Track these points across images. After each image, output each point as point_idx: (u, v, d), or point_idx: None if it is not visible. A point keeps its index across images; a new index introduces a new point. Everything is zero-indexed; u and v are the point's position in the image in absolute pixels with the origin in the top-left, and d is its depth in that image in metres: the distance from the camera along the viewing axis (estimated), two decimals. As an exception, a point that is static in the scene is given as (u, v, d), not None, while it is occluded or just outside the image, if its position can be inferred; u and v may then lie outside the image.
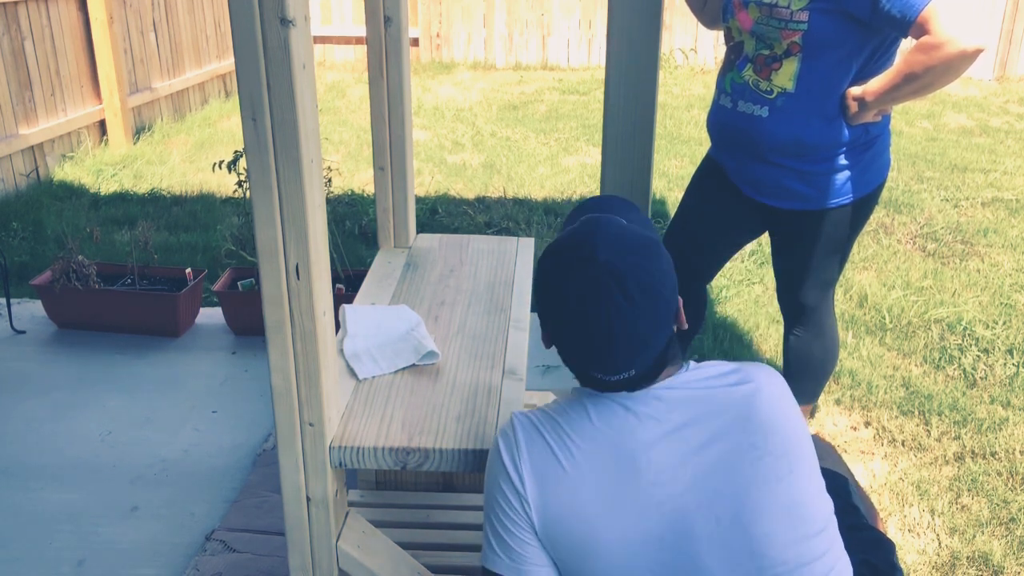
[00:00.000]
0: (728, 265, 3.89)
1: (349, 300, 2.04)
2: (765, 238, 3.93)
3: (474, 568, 1.97)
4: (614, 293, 1.17)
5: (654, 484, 1.18)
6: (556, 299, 1.22)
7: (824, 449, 1.73)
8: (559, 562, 1.22)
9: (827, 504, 1.24)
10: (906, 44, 2.07)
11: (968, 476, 2.52)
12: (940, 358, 3.18)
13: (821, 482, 1.25)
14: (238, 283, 3.35)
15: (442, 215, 4.68)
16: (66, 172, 5.25)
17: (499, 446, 1.26)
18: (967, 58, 1.88)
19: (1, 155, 4.80)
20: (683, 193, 2.51)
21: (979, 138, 6.35)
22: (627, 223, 1.27)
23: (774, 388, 1.27)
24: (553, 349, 1.29)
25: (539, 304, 1.28)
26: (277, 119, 1.27)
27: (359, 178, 5.32)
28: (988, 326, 3.40)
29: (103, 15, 5.53)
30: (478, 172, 5.48)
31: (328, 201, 3.49)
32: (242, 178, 3.12)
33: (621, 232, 1.23)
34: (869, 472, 2.56)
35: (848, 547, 1.31)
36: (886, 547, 1.46)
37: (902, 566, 2.17)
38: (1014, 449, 2.65)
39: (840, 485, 1.56)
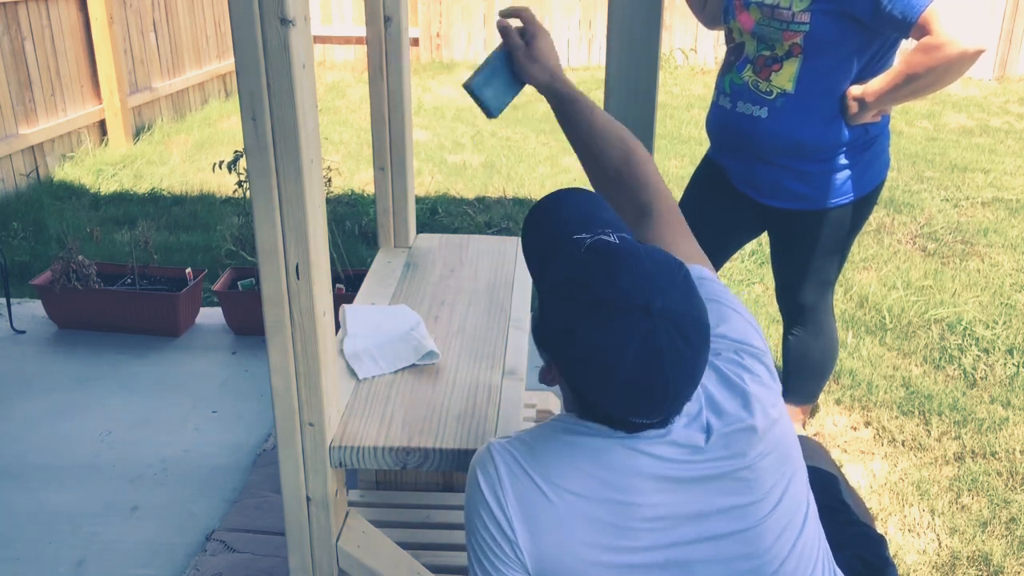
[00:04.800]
0: (728, 265, 3.89)
1: (349, 300, 2.04)
2: (765, 238, 3.93)
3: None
4: (676, 342, 1.07)
5: (651, 519, 1.12)
6: (601, 357, 1.07)
7: (813, 449, 1.73)
8: None
9: (811, 528, 1.23)
10: (906, 45, 2.07)
11: (968, 476, 2.52)
12: (940, 358, 3.18)
13: (806, 481, 1.25)
14: (238, 283, 3.35)
15: (442, 215, 4.68)
16: (66, 172, 5.25)
17: (479, 482, 1.15)
18: (968, 59, 1.88)
19: (1, 155, 4.80)
20: (682, 193, 2.51)
21: (979, 138, 6.35)
22: (641, 244, 1.15)
23: (764, 396, 1.21)
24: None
25: (564, 354, 1.12)
26: (277, 119, 1.27)
27: (359, 178, 5.32)
28: (988, 326, 3.40)
29: (103, 15, 5.53)
30: (478, 172, 5.49)
31: (328, 201, 3.50)
32: (242, 178, 3.12)
33: (656, 265, 1.11)
34: (869, 472, 2.56)
35: (839, 542, 1.32)
36: (877, 542, 1.46)
37: (898, 564, 2.17)
38: (1014, 449, 2.65)
39: (830, 483, 1.57)
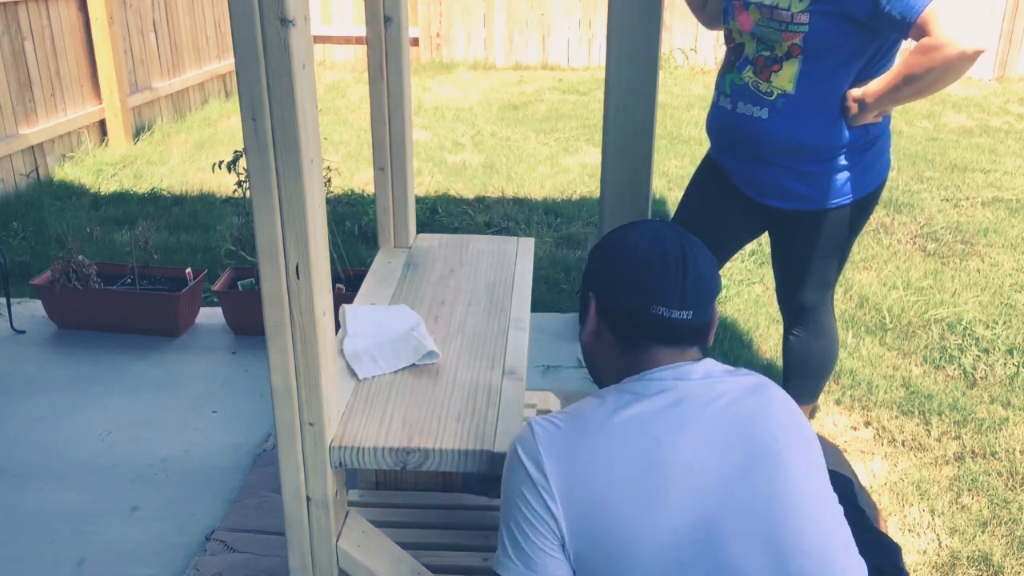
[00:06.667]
0: (728, 265, 3.89)
1: (349, 300, 2.04)
2: (765, 238, 3.92)
3: (474, 568, 1.97)
4: (685, 240, 1.35)
5: (682, 475, 1.17)
6: (625, 247, 1.36)
7: (828, 450, 1.73)
8: (587, 564, 1.18)
9: (838, 508, 1.26)
10: (907, 45, 2.07)
11: (968, 476, 2.52)
12: (940, 358, 3.18)
13: (832, 491, 1.27)
14: (238, 283, 3.35)
15: (442, 215, 4.68)
16: (66, 172, 5.25)
17: (517, 450, 1.24)
18: (967, 60, 1.88)
19: (1, 155, 4.80)
20: (683, 193, 2.51)
21: (979, 138, 6.35)
22: None
23: (775, 386, 1.30)
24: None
25: (599, 265, 1.39)
26: (277, 119, 1.27)
27: (359, 178, 5.32)
28: (988, 326, 3.40)
29: (103, 15, 5.53)
30: (478, 172, 5.49)
31: (328, 201, 3.49)
32: (242, 178, 3.12)
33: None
34: (869, 472, 2.56)
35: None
36: (892, 551, 1.46)
37: (906, 569, 2.17)
38: (1014, 449, 2.65)
39: (845, 487, 1.56)
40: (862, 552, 1.33)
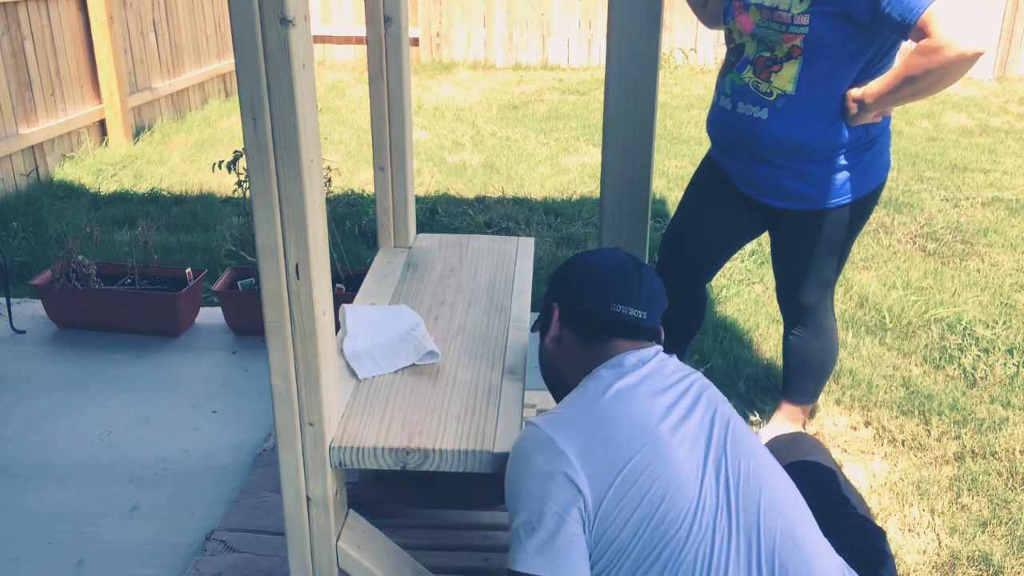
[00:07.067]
0: (728, 265, 3.89)
1: (349, 300, 2.04)
2: (765, 238, 3.93)
3: (474, 568, 1.97)
4: (638, 259, 1.55)
5: (666, 428, 1.31)
6: (585, 261, 1.54)
7: (813, 445, 1.74)
8: (608, 522, 1.25)
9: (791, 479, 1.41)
10: (907, 46, 2.07)
11: (968, 476, 2.52)
12: (940, 358, 3.18)
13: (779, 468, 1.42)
14: (238, 283, 3.35)
15: (442, 215, 4.68)
16: (66, 172, 5.25)
17: (525, 446, 1.32)
18: (966, 61, 1.88)
19: (1, 155, 4.80)
20: (683, 193, 2.51)
21: (979, 138, 6.35)
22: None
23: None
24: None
25: (561, 278, 1.56)
26: (277, 119, 1.27)
27: (359, 178, 5.32)
28: (988, 326, 3.40)
29: (103, 15, 5.53)
30: (478, 172, 5.49)
31: (328, 201, 3.49)
32: (242, 178, 3.12)
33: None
34: (869, 472, 2.56)
35: (834, 534, 1.33)
36: (875, 534, 1.46)
37: (898, 564, 2.17)
38: (1014, 449, 2.65)
39: (829, 477, 1.58)
40: (842, 534, 1.37)
